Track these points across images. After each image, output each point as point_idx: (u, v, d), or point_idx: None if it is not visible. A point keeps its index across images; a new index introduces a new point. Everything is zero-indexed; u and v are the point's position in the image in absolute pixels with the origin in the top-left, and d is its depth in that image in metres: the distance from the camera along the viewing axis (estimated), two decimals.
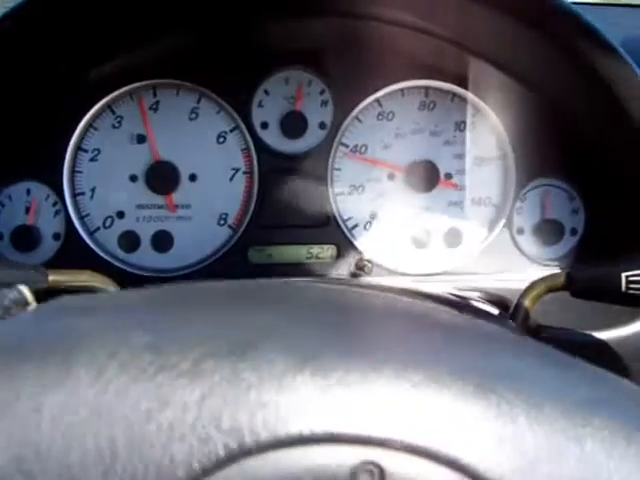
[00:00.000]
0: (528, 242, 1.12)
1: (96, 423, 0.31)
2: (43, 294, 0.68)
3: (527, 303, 0.84)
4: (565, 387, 0.35)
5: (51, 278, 0.85)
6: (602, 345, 0.92)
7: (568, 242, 1.11)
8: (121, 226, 1.07)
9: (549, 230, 1.11)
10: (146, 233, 1.08)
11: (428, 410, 0.32)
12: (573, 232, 1.11)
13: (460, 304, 0.93)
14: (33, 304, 0.67)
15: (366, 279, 1.09)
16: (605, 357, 0.93)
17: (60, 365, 0.32)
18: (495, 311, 0.93)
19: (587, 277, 0.81)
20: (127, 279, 1.05)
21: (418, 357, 0.35)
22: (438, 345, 0.38)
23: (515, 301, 0.85)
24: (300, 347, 0.34)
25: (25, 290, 0.66)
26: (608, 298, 0.81)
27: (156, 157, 1.06)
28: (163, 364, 0.32)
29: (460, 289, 1.05)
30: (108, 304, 0.43)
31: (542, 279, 0.84)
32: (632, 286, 0.76)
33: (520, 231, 1.11)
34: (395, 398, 0.32)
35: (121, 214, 1.07)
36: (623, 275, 0.76)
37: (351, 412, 0.31)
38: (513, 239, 1.11)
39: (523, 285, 0.86)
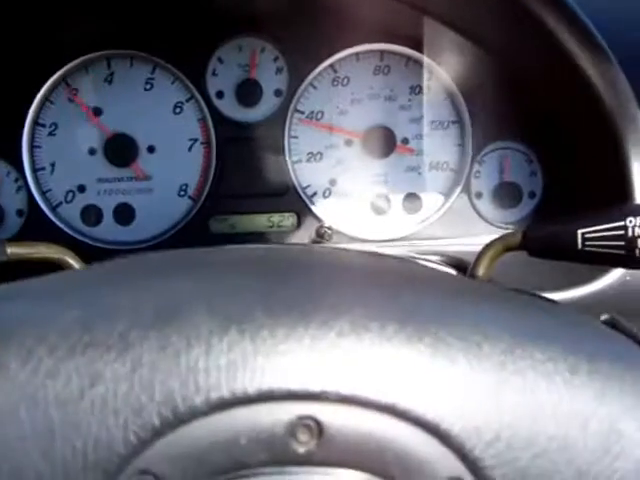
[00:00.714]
0: (487, 206, 1.12)
1: (30, 406, 0.31)
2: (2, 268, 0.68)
3: (484, 263, 0.84)
4: (506, 322, 0.35)
5: (10, 250, 0.85)
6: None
7: (527, 205, 1.12)
8: (83, 200, 1.08)
9: (507, 193, 1.11)
10: (108, 206, 1.08)
11: (360, 358, 0.31)
12: (531, 195, 1.11)
13: (417, 266, 0.93)
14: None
15: (326, 246, 1.09)
16: None
17: None
18: (453, 272, 0.93)
19: (543, 235, 0.81)
20: (91, 253, 1.05)
21: (346, 306, 0.34)
22: (371, 292, 0.38)
23: (473, 261, 0.85)
24: (224, 308, 0.34)
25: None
26: (565, 256, 0.80)
27: (113, 130, 1.06)
28: (91, 340, 0.32)
29: (419, 253, 1.05)
30: (36, 288, 0.43)
31: (498, 239, 0.84)
32: (588, 243, 0.75)
33: (478, 195, 1.12)
34: (324, 349, 0.32)
35: (82, 188, 1.08)
36: (579, 232, 0.75)
37: (282, 368, 0.31)
38: (472, 203, 1.12)
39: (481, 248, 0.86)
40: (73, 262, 0.81)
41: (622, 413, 0.32)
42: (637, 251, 0.71)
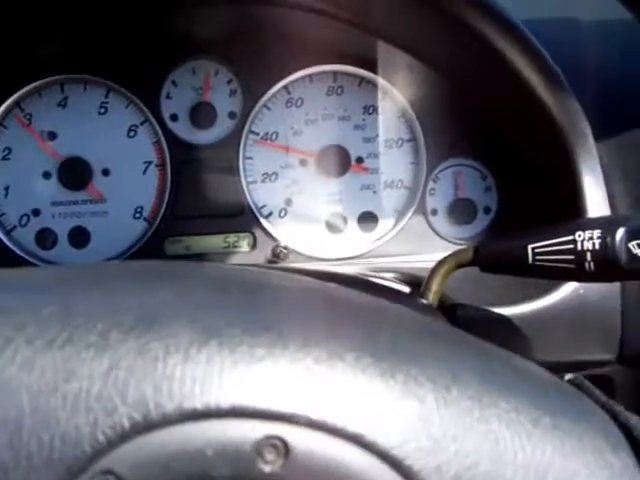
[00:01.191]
0: (442, 222, 1.13)
1: (2, 393, 0.31)
2: None
3: (437, 280, 0.85)
4: (476, 369, 0.36)
5: None
6: (509, 322, 0.93)
7: (482, 221, 1.13)
8: (37, 224, 1.08)
9: (462, 210, 1.13)
10: (63, 230, 1.08)
11: (332, 386, 0.32)
12: (486, 210, 1.13)
13: (370, 284, 0.94)
14: None
15: (282, 265, 1.10)
16: (513, 334, 0.94)
17: None
18: (406, 289, 0.94)
19: (494, 251, 0.82)
20: None
21: (323, 333, 0.35)
22: (345, 322, 0.39)
23: (426, 278, 0.86)
24: (206, 321, 0.34)
25: None
26: (516, 271, 0.82)
27: (67, 153, 1.06)
28: (70, 336, 0.32)
29: (374, 271, 1.06)
30: (19, 279, 0.43)
31: (451, 255, 0.85)
32: (538, 257, 0.76)
33: (434, 212, 1.13)
34: (299, 373, 0.32)
35: (37, 212, 1.07)
36: (529, 247, 0.76)
37: (256, 387, 0.31)
38: (427, 220, 1.13)
39: None
40: None
41: (581, 468, 0.33)
42: (587, 264, 0.73)
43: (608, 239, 0.72)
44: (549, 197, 1.03)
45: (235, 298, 0.39)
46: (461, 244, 1.14)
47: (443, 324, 0.44)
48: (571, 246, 0.73)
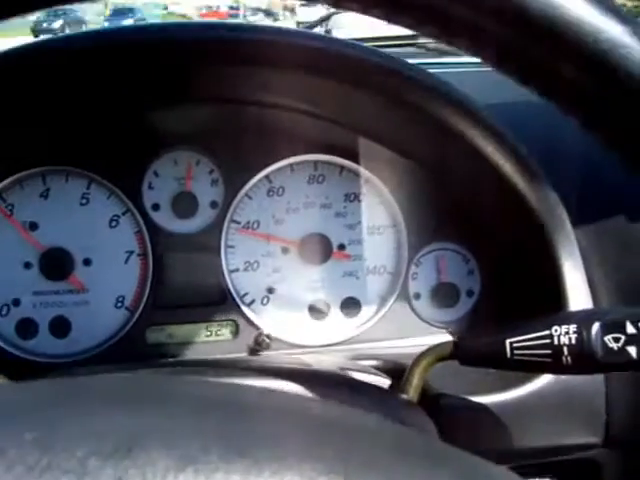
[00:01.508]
0: (425, 306, 1.13)
1: None
2: None
3: (417, 374, 0.85)
4: None
5: None
6: (491, 411, 0.92)
7: (465, 304, 1.13)
8: (18, 313, 1.07)
9: (445, 293, 1.13)
10: (44, 319, 1.08)
11: None
12: (469, 294, 1.13)
13: (350, 382, 0.93)
14: None
15: (263, 356, 1.09)
16: (496, 423, 0.94)
17: None
18: (387, 382, 0.94)
19: (473, 345, 0.82)
20: (25, 366, 1.05)
21: (297, 457, 0.35)
22: (320, 443, 0.38)
23: (406, 372, 0.86)
24: (183, 447, 0.34)
25: None
26: (495, 365, 0.82)
27: (49, 244, 1.06)
28: (50, 462, 0.32)
29: (357, 358, 1.06)
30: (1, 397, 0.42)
31: (431, 349, 0.85)
32: (517, 352, 0.77)
33: (417, 296, 1.13)
34: None
35: (17, 302, 1.07)
36: (507, 342, 0.77)
37: None
38: (410, 304, 1.13)
39: (420, 350, 0.87)
40: None
41: None
42: (564, 358, 0.73)
43: (584, 333, 0.73)
44: (530, 281, 1.03)
45: (213, 421, 0.39)
46: (444, 327, 1.14)
47: (424, 439, 0.44)
48: (548, 341, 0.74)
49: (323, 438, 0.40)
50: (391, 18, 0.38)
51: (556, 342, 0.73)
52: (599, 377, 0.94)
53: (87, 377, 0.50)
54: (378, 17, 0.38)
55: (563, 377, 0.93)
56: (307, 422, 0.42)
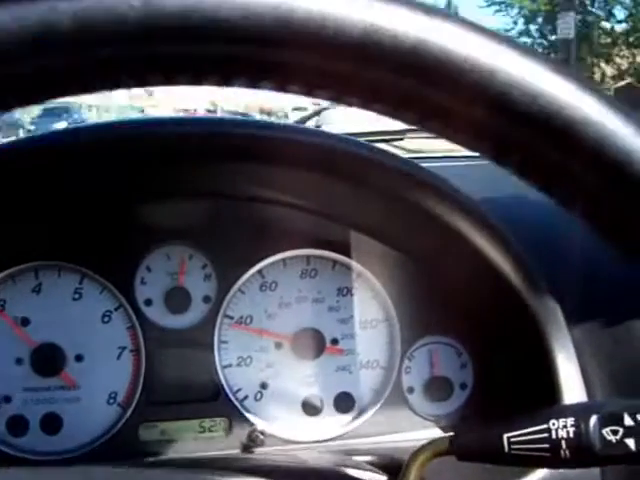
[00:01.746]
0: (419, 400, 1.13)
1: None
2: None
3: (414, 471, 0.84)
4: None
5: None
6: None
7: (458, 397, 1.12)
8: (8, 410, 1.06)
9: (439, 387, 1.13)
10: (34, 416, 1.06)
11: None
12: (463, 386, 1.13)
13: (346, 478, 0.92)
14: None
15: (257, 453, 1.08)
16: None
17: None
18: (383, 479, 0.93)
19: (470, 441, 0.82)
20: (15, 463, 1.03)
21: None
22: None
23: (403, 468, 0.85)
24: None
25: None
26: (492, 460, 0.81)
27: (41, 339, 1.05)
28: None
29: (352, 453, 1.04)
30: None
31: (427, 445, 0.84)
32: (514, 447, 0.76)
33: (410, 390, 1.13)
34: None
35: (8, 398, 1.06)
36: (505, 436, 0.76)
37: None
38: (404, 398, 1.12)
39: (415, 444, 0.86)
40: None
41: None
42: (562, 452, 0.72)
43: (582, 426, 0.72)
44: (524, 373, 1.03)
45: None
46: (439, 421, 1.13)
47: None
48: (546, 435, 0.73)
49: None
50: (394, 113, 0.39)
51: (554, 436, 0.73)
52: (595, 470, 0.93)
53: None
54: (379, 112, 0.39)
55: (560, 470, 0.92)
56: None
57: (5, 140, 0.96)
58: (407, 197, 0.95)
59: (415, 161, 1.01)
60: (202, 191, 1.05)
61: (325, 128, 2.25)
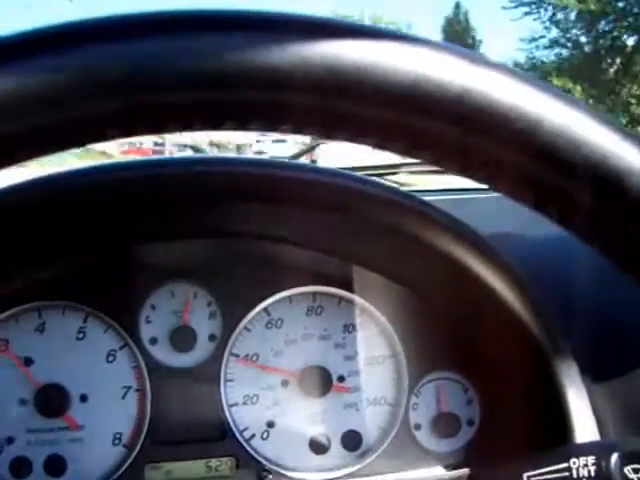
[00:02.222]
0: (426, 437, 1.12)
1: None
2: None
3: None
4: None
5: None
6: None
7: (466, 433, 1.12)
8: (12, 452, 1.05)
9: (446, 423, 1.12)
10: (38, 458, 1.05)
11: None
12: (470, 423, 1.12)
13: None
14: None
15: None
16: None
17: None
18: None
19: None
20: None
21: None
22: None
23: None
24: None
25: None
26: None
27: (44, 380, 1.04)
28: None
29: None
30: None
31: None
32: None
33: (417, 427, 1.12)
34: None
35: (11, 440, 1.04)
36: (525, 475, 0.76)
37: None
38: (411, 435, 1.11)
39: None
40: None
41: None
42: None
43: (603, 465, 0.72)
44: (532, 409, 1.02)
45: None
46: (446, 457, 1.12)
47: None
48: (567, 474, 0.73)
49: None
50: (437, 161, 0.39)
51: (575, 475, 0.73)
52: None
53: None
54: (424, 160, 0.39)
55: None
56: None
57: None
58: (410, 231, 0.95)
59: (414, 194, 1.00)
60: (206, 230, 1.04)
61: (320, 162, 2.26)
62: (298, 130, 0.38)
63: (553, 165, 0.37)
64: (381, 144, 0.38)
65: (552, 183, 0.39)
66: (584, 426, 0.95)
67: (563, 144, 0.37)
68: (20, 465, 1.06)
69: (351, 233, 1.01)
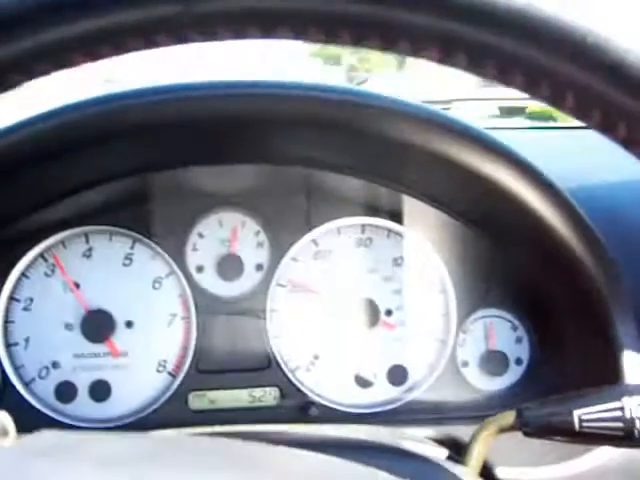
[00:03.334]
0: (474, 374, 1.10)
1: None
2: None
3: (479, 445, 0.81)
4: None
5: None
6: None
7: (514, 372, 1.10)
8: (57, 376, 1.05)
9: (494, 361, 1.10)
10: (83, 383, 1.05)
11: None
12: (518, 362, 1.10)
13: (407, 453, 0.89)
14: (12, 433, 0.63)
15: (311, 426, 1.05)
16: None
17: None
18: (444, 453, 0.90)
19: (538, 416, 0.79)
20: (64, 430, 1.01)
21: None
22: None
23: (467, 443, 0.83)
24: None
25: (6, 418, 0.63)
26: (562, 437, 0.78)
27: (91, 305, 1.04)
28: None
29: (405, 426, 1.02)
30: (89, 449, 0.41)
31: (492, 420, 0.82)
32: (585, 424, 0.73)
33: (465, 364, 1.10)
34: None
35: (57, 364, 1.05)
36: (575, 413, 0.73)
37: None
38: (458, 372, 1.10)
39: (471, 420, 0.84)
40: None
41: None
42: (636, 432, 0.70)
43: None
44: (583, 350, 1.00)
45: None
46: (494, 395, 1.10)
47: None
48: (619, 413, 0.71)
49: None
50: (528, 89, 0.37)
51: (627, 415, 0.70)
52: None
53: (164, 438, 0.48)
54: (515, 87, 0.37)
55: (627, 450, 0.89)
56: None
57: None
58: (467, 162, 0.91)
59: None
60: (255, 156, 1.02)
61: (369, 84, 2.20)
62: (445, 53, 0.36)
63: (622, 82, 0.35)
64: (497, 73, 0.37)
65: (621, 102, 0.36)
66: (636, 368, 0.93)
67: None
68: (65, 390, 1.06)
69: (405, 161, 0.97)
